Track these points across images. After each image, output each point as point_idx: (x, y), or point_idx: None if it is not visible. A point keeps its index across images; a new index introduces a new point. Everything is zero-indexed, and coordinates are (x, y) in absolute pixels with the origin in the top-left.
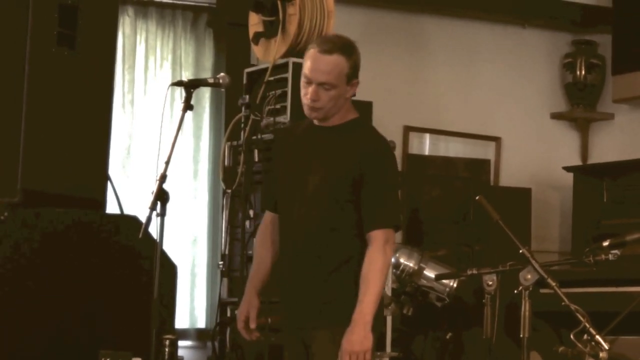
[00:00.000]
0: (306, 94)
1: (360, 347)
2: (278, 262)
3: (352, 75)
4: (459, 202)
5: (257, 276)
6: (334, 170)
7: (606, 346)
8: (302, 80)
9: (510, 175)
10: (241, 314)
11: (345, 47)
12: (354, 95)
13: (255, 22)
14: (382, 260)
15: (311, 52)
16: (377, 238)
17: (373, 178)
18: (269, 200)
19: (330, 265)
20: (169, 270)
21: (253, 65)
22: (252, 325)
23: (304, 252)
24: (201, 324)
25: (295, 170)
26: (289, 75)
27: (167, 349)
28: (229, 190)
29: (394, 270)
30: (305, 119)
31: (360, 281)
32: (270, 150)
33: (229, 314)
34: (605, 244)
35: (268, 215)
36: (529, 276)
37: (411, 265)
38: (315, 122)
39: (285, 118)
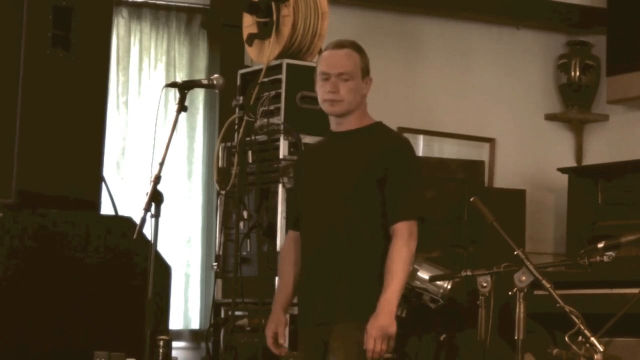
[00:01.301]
0: (324, 90)
1: (385, 332)
2: (302, 267)
3: (365, 71)
4: (453, 204)
5: (283, 293)
6: (357, 171)
7: (601, 348)
8: (319, 80)
9: (504, 176)
10: (269, 330)
11: (356, 45)
12: (367, 93)
13: (249, 24)
14: (407, 252)
15: (325, 53)
16: (402, 230)
17: (396, 172)
18: (291, 219)
19: (355, 265)
20: (163, 271)
21: (247, 67)
22: (282, 341)
23: (330, 252)
24: (195, 325)
25: (319, 180)
26: (283, 76)
27: (161, 350)
28: (223, 192)
29: None
30: (323, 138)
31: (385, 272)
32: (266, 152)
33: (222, 315)
34: (600, 245)
35: (291, 234)
36: (524, 278)
37: None
38: (333, 128)
39: (279, 119)
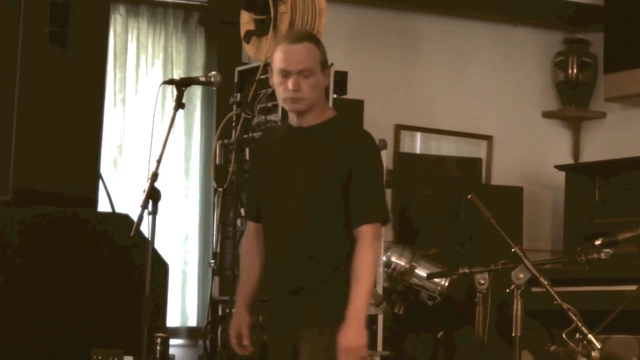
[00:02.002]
0: (285, 88)
1: (357, 343)
2: (266, 267)
3: (324, 63)
4: (450, 201)
5: (246, 289)
6: (322, 171)
7: (598, 345)
8: (277, 77)
9: (501, 173)
10: (233, 330)
11: (312, 36)
12: (328, 85)
13: (246, 21)
14: (372, 256)
15: (281, 47)
16: (366, 233)
17: (360, 173)
18: (251, 211)
19: (323, 267)
20: (161, 268)
21: (244, 64)
22: (245, 343)
23: (295, 254)
24: (192, 322)
25: (279, 176)
26: None
27: (158, 347)
28: (221, 189)
29: (386, 269)
30: (280, 125)
31: (352, 277)
32: None
33: (220, 313)
34: (597, 242)
35: (251, 226)
36: (521, 275)
37: (402, 264)
38: (293, 123)
39: (276, 116)
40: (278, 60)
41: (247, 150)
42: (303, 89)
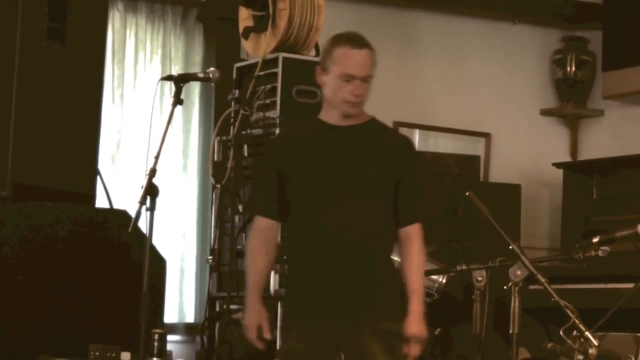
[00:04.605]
0: (345, 91)
1: (423, 335)
2: (307, 268)
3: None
4: (448, 198)
5: (260, 284)
6: (375, 172)
7: (595, 342)
8: (336, 80)
9: (499, 171)
10: (253, 324)
11: (369, 42)
12: None
13: (245, 17)
14: (424, 254)
15: (344, 51)
16: (417, 232)
17: (409, 175)
18: (270, 207)
19: (373, 262)
20: (158, 264)
21: (243, 60)
22: (268, 336)
23: (345, 248)
24: (190, 318)
25: (328, 174)
26: (279, 70)
27: (156, 343)
28: (219, 185)
29: None
30: (305, 122)
31: (410, 273)
32: (260, 145)
33: (217, 309)
34: (595, 240)
35: (264, 222)
36: (519, 272)
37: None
38: (332, 122)
39: (274, 113)
40: (342, 64)
41: (245, 146)
42: (364, 94)
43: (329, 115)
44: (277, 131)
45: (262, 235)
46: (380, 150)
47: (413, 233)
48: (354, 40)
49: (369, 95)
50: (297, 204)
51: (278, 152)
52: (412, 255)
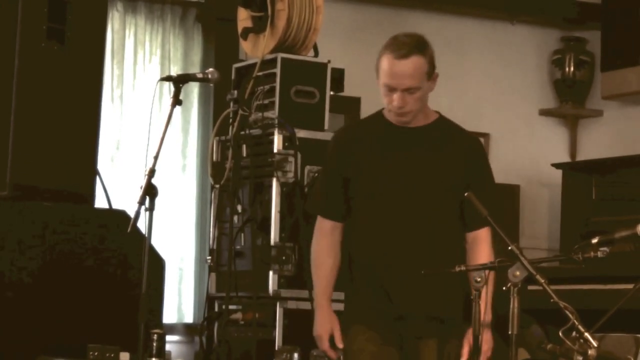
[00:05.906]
0: (391, 101)
1: (491, 347)
2: (374, 270)
3: (431, 71)
4: None
5: (329, 292)
6: (447, 176)
7: (595, 343)
8: (384, 88)
9: (498, 171)
10: (325, 332)
11: (419, 45)
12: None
13: (244, 17)
14: (493, 257)
15: (387, 60)
16: (487, 235)
17: (480, 178)
18: (335, 208)
19: (442, 262)
20: (157, 264)
21: (242, 61)
22: (341, 345)
23: (413, 249)
24: (189, 318)
25: (395, 176)
26: (278, 70)
27: (154, 344)
28: (217, 185)
29: None
30: (366, 119)
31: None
32: (260, 146)
33: (216, 309)
34: (594, 241)
35: (328, 224)
36: (518, 273)
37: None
38: (396, 122)
39: (273, 113)
40: (384, 74)
41: (244, 147)
42: (408, 104)
43: (391, 115)
44: (276, 132)
45: (328, 238)
46: (449, 153)
47: (482, 237)
48: (398, 49)
49: (419, 103)
50: (362, 207)
51: (343, 151)
52: (481, 260)
